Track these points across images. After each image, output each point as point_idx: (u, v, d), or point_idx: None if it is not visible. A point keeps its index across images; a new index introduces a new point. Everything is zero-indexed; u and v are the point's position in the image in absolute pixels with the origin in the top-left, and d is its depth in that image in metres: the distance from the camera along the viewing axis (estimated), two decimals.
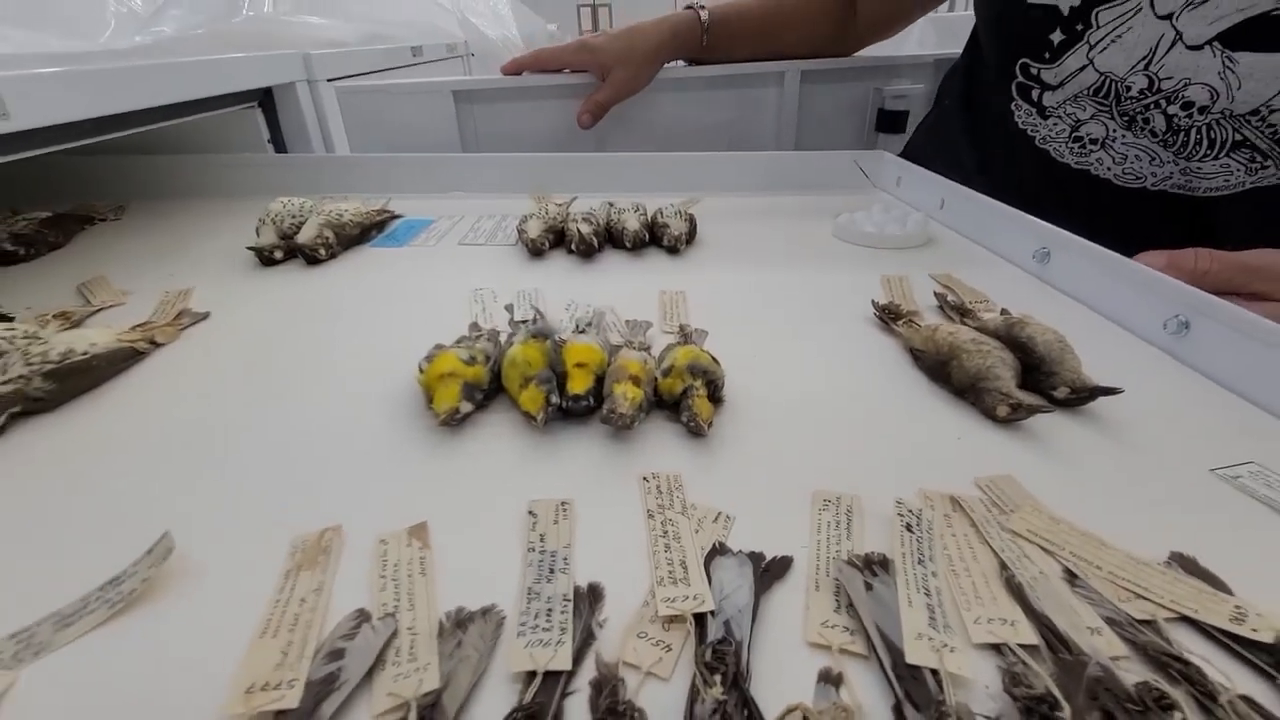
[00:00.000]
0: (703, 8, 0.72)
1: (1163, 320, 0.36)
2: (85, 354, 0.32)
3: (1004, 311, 0.39)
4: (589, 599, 0.21)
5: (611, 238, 0.53)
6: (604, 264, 0.51)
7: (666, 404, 0.30)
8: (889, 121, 0.86)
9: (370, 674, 0.18)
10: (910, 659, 0.18)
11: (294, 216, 0.51)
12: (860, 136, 0.88)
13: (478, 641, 0.19)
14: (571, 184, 0.68)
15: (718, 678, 0.17)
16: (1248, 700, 0.17)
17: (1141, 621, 0.19)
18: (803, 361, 0.36)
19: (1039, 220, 0.45)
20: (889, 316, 0.39)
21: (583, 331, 0.35)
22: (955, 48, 0.86)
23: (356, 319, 0.42)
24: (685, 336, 0.36)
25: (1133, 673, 0.18)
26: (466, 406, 0.29)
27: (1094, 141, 0.48)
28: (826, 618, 0.20)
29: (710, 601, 0.20)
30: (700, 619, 0.20)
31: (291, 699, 0.17)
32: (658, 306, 0.43)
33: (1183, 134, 0.44)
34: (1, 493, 0.26)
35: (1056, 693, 0.17)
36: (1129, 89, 0.45)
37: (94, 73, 0.42)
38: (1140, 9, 0.42)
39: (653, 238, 0.53)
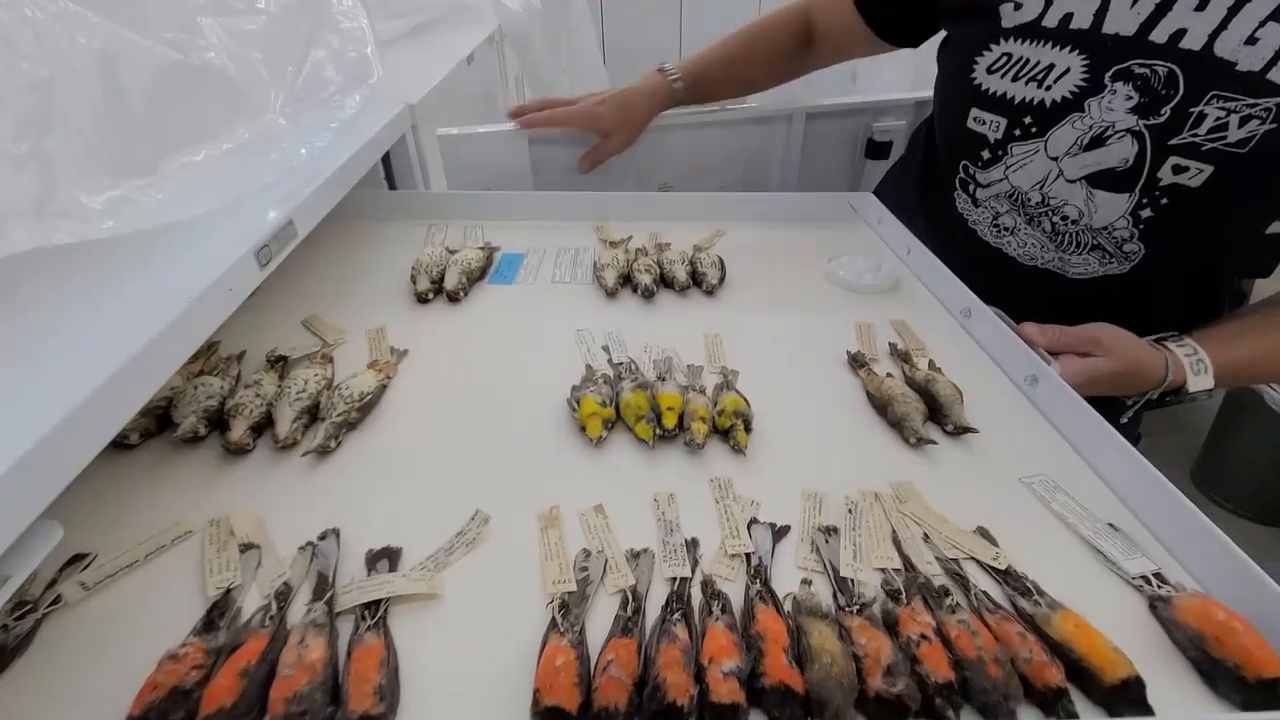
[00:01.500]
0: (676, 79, 0.87)
1: (1024, 375, 0.57)
2: (370, 392, 0.53)
3: (931, 364, 0.60)
4: (692, 545, 0.43)
5: (664, 280, 0.73)
6: (661, 304, 0.71)
7: (719, 430, 0.52)
8: (875, 150, 1.04)
9: (601, 578, 0.40)
10: (842, 574, 0.40)
11: (438, 265, 0.71)
12: (852, 162, 1.06)
13: (646, 564, 0.41)
14: (620, 214, 0.86)
15: (757, 581, 0.40)
16: (985, 593, 0.39)
17: (950, 558, 0.42)
18: (798, 394, 0.58)
19: (964, 285, 0.66)
20: (855, 364, 0.60)
21: (663, 379, 0.56)
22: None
23: (502, 350, 0.63)
24: (727, 381, 0.57)
25: (940, 580, 0.41)
26: (605, 433, 0.51)
27: (1006, 229, 0.67)
28: (805, 555, 0.42)
29: (751, 546, 0.42)
30: (748, 556, 0.42)
31: (571, 586, 0.39)
32: (703, 345, 0.64)
33: (1061, 235, 0.64)
34: (362, 477, 0.48)
35: (901, 586, 0.39)
36: (1029, 199, 0.64)
37: (331, 178, 0.61)
38: (1039, 150, 0.62)
39: (694, 280, 0.73)
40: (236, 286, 0.46)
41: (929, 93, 1.04)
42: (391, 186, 0.91)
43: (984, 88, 0.63)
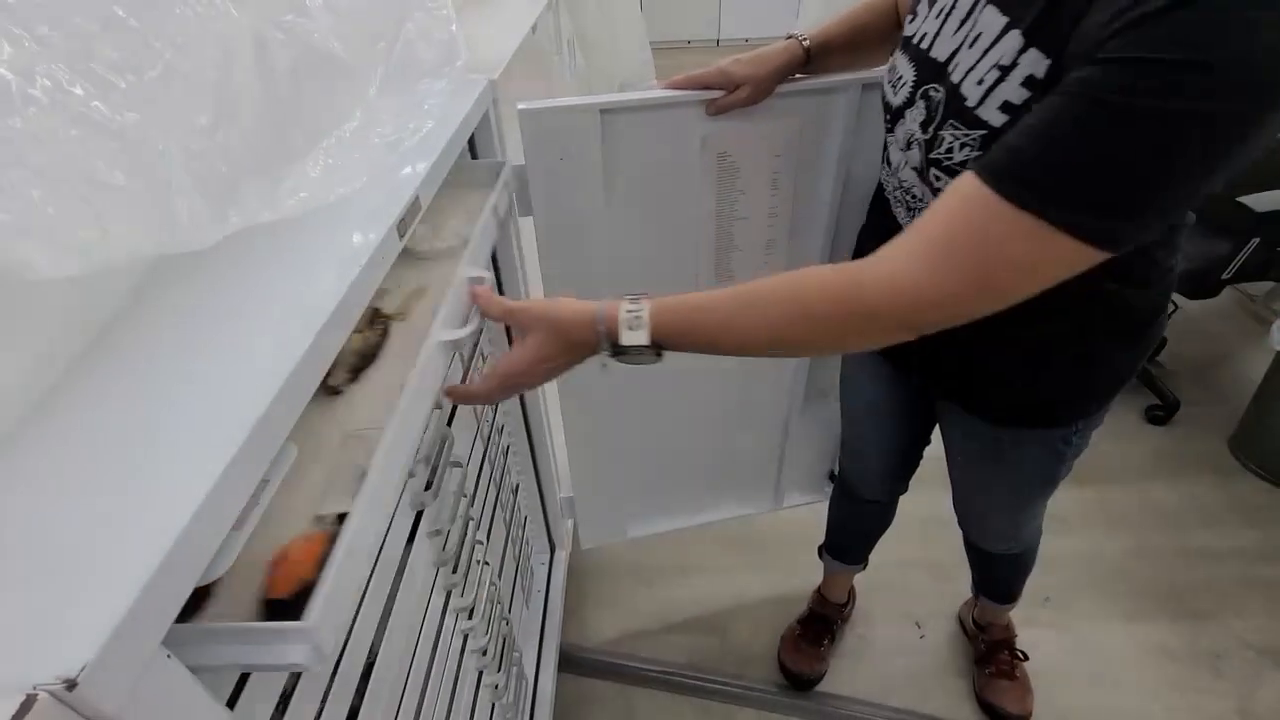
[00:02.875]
0: (805, 39, 0.91)
1: None
2: None
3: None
4: None
5: None
6: None
7: None
8: None
9: None
10: None
11: None
12: None
13: None
14: None
15: None
16: None
17: None
18: None
19: (487, 256, 0.70)
20: None
21: None
22: None
23: None
24: None
25: None
26: None
27: (898, 201, 0.73)
28: None
29: None
30: None
31: None
32: None
33: (914, 210, 0.70)
34: None
35: None
36: (897, 178, 0.71)
37: (442, 154, 0.65)
38: (895, 142, 0.69)
39: None
40: (387, 256, 0.53)
41: None
42: (474, 157, 0.92)
43: (883, 83, 0.72)
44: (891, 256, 0.51)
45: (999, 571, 1.16)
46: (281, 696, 0.44)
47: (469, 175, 0.84)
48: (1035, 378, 0.73)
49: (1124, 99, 0.43)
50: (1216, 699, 1.23)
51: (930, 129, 0.61)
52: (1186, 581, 1.42)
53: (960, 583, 1.31)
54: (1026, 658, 1.24)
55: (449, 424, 0.75)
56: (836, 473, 1.22)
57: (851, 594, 1.36)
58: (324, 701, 0.48)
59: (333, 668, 0.49)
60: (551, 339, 0.59)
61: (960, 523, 1.05)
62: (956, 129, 0.58)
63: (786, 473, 1.34)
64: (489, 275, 0.65)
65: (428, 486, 0.64)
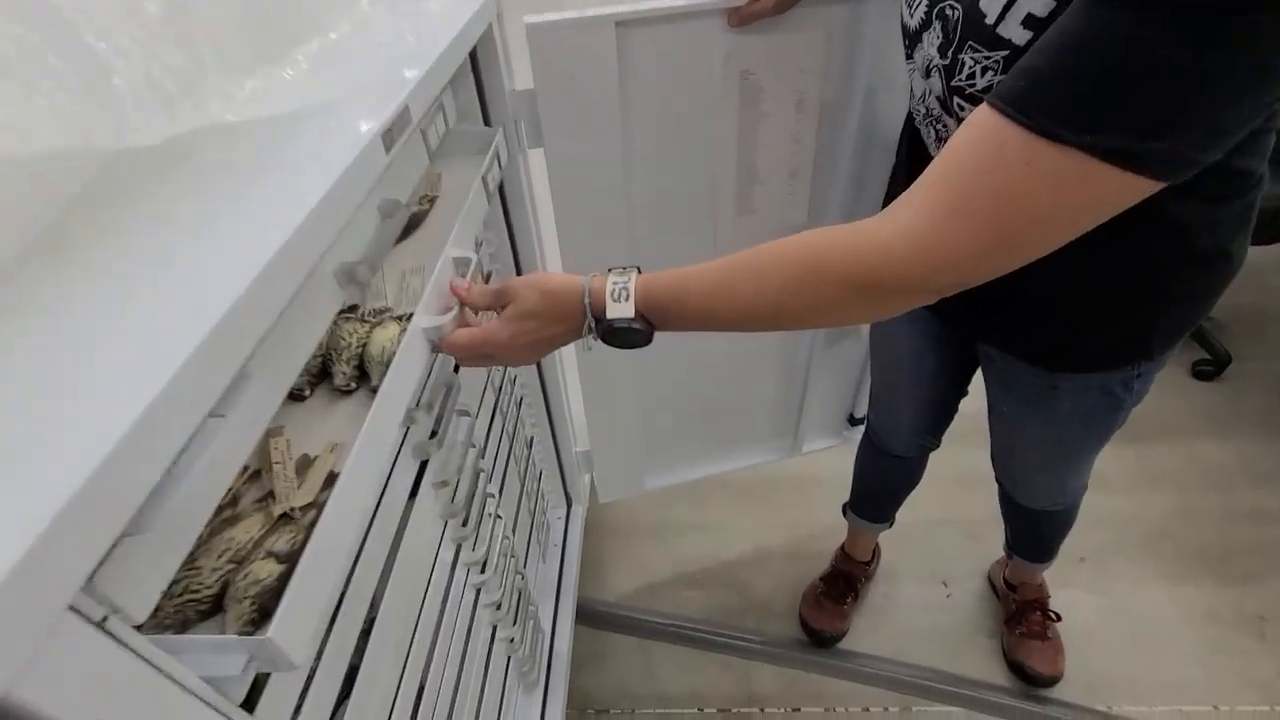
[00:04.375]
0: None
1: None
2: None
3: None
4: None
5: None
6: None
7: None
8: None
9: None
10: None
11: None
12: None
13: None
14: None
15: None
16: None
17: None
18: None
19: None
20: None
21: None
22: None
23: None
24: None
25: None
26: None
27: (925, 127, 0.66)
28: None
29: None
30: None
31: None
32: None
33: (942, 139, 0.63)
34: None
35: None
36: (922, 105, 0.64)
37: (434, 66, 0.57)
38: (915, 69, 0.63)
39: None
40: (369, 170, 0.46)
41: None
42: (477, 79, 0.83)
43: (901, 3, 0.65)
44: (906, 207, 0.45)
45: (1039, 529, 1.10)
46: None
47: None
48: (1094, 311, 0.66)
49: None
50: (1261, 663, 1.18)
51: (949, 53, 0.54)
52: (1233, 543, 1.35)
53: (990, 541, 1.26)
54: (1059, 618, 1.20)
55: (455, 371, 0.70)
56: (858, 416, 1.16)
57: (876, 551, 1.32)
58: (318, 660, 0.44)
59: (328, 624, 0.45)
60: (538, 302, 0.54)
61: (1000, 478, 0.99)
62: (976, 50, 0.51)
63: (806, 417, 1.29)
64: (474, 256, 0.60)
65: (432, 435, 0.60)
